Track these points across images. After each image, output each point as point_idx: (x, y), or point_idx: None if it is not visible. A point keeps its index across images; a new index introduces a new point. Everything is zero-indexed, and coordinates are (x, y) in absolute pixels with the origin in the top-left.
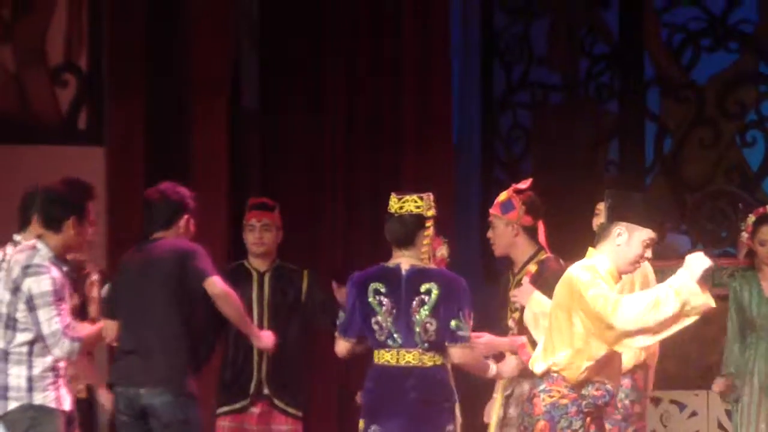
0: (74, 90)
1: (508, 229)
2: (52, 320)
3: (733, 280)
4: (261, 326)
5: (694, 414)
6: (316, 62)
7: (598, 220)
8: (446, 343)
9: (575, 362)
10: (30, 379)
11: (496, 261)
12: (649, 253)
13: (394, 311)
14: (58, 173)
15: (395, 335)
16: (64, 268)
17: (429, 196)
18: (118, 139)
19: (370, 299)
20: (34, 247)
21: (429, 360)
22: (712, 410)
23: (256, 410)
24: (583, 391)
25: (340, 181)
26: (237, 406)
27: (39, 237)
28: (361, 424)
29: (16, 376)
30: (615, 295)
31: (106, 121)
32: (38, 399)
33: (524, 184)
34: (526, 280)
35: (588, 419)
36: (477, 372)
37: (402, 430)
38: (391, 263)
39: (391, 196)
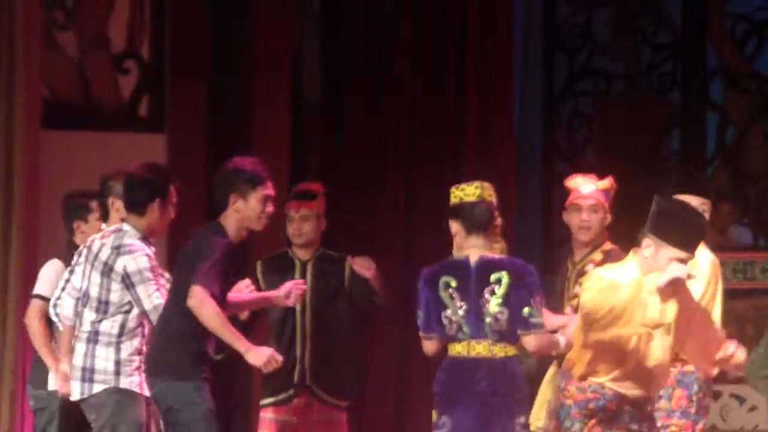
0: (136, 77)
1: (606, 218)
2: (152, 296)
3: None
4: (304, 315)
5: (753, 408)
6: (379, 49)
7: None
8: (519, 332)
9: (574, 356)
10: (117, 363)
11: (558, 251)
12: None
13: (464, 304)
14: (119, 160)
15: (464, 328)
16: (152, 249)
17: (490, 186)
18: (179, 126)
19: (441, 293)
20: (119, 230)
21: (499, 351)
22: None
23: (300, 402)
24: (587, 393)
25: (401, 170)
26: (281, 397)
27: (122, 220)
28: (434, 414)
29: (104, 358)
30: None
31: (167, 108)
32: (124, 383)
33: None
34: (590, 267)
35: (591, 422)
36: (547, 352)
37: (472, 421)
38: (461, 255)
39: (459, 187)
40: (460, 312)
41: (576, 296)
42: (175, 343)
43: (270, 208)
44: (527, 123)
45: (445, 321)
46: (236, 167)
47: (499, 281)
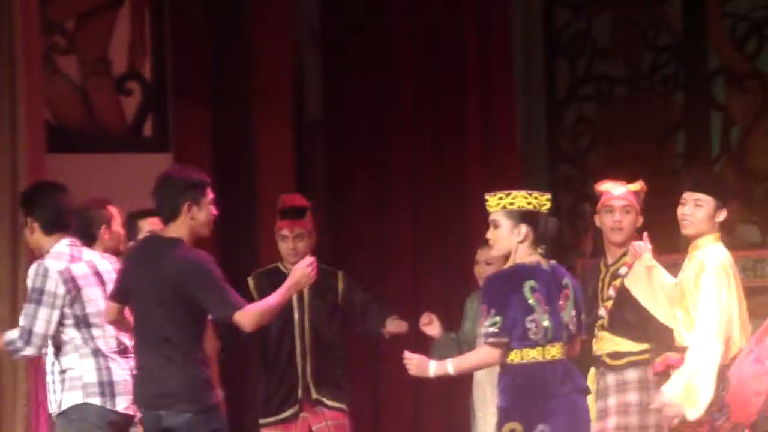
0: (139, 98)
1: (637, 219)
2: None
3: None
4: (302, 329)
5: None
6: (379, 66)
7: (683, 209)
8: (580, 336)
9: None
10: None
11: (566, 256)
12: None
13: (548, 308)
14: (125, 181)
15: (549, 332)
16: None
17: None
18: (183, 145)
19: (528, 297)
20: None
21: (565, 353)
22: None
23: (306, 415)
24: None
25: (406, 183)
26: (288, 413)
27: None
28: (517, 426)
29: None
30: None
31: (171, 128)
32: None
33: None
34: (624, 270)
35: None
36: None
37: (570, 423)
38: (528, 261)
39: (533, 194)
40: (546, 316)
41: (610, 298)
42: (190, 370)
43: (215, 211)
44: (531, 130)
45: (530, 325)
46: (182, 175)
47: (568, 286)
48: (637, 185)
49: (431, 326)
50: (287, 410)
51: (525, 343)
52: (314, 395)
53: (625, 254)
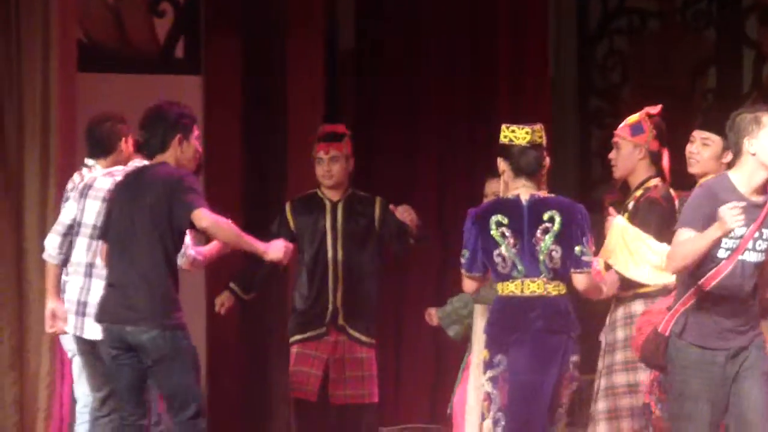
0: (171, 19)
1: (635, 152)
2: None
3: None
4: (335, 255)
5: None
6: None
7: (690, 148)
8: (572, 270)
9: None
10: None
11: (595, 190)
12: None
13: (518, 242)
14: (156, 102)
15: (518, 265)
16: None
17: (541, 127)
18: (215, 68)
19: (493, 232)
20: None
21: (553, 289)
22: None
23: (330, 339)
24: None
25: (435, 113)
26: (312, 333)
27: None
28: (486, 354)
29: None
30: None
31: (203, 50)
32: None
33: (655, 109)
34: (632, 204)
35: None
36: (593, 296)
37: (528, 360)
38: (510, 195)
39: (510, 127)
40: (513, 250)
41: None
42: (158, 289)
43: (201, 148)
44: (562, 63)
45: (497, 259)
46: (175, 109)
47: (552, 220)
48: (635, 116)
49: (430, 318)
50: (314, 330)
51: (501, 277)
52: (340, 321)
53: (637, 188)
